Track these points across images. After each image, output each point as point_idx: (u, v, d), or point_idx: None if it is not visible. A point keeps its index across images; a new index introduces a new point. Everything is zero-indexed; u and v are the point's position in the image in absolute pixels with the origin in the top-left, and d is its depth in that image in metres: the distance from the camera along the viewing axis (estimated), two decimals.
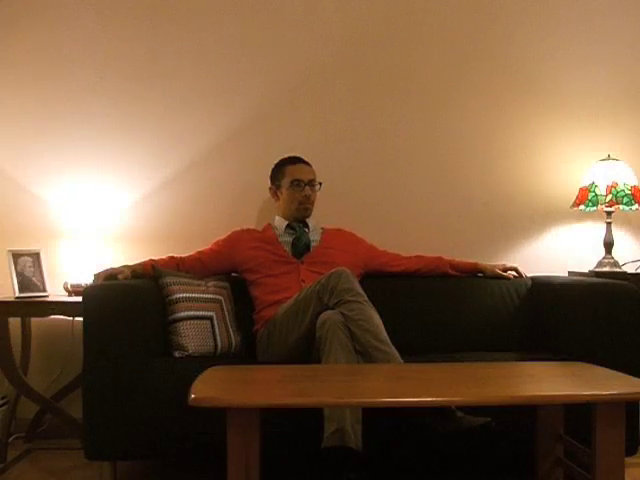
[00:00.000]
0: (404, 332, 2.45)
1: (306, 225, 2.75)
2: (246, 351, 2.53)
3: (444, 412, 1.99)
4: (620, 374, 1.81)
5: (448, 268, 2.76)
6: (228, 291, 2.61)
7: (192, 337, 2.36)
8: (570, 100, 3.03)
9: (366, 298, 2.18)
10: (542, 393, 1.73)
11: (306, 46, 3.01)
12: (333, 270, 2.21)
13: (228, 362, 2.09)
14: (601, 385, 1.73)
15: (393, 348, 2.10)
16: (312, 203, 2.74)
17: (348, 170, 3.01)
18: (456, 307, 2.68)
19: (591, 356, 2.11)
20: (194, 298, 2.44)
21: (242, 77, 3.00)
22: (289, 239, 2.69)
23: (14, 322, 2.75)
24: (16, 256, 2.71)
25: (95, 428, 2.16)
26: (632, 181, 2.80)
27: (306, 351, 2.23)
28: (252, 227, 2.84)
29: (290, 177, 2.70)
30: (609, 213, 2.83)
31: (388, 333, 2.13)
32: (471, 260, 2.81)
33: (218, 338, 2.44)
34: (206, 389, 1.64)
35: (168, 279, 2.44)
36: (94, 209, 2.91)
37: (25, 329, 2.85)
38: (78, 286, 2.71)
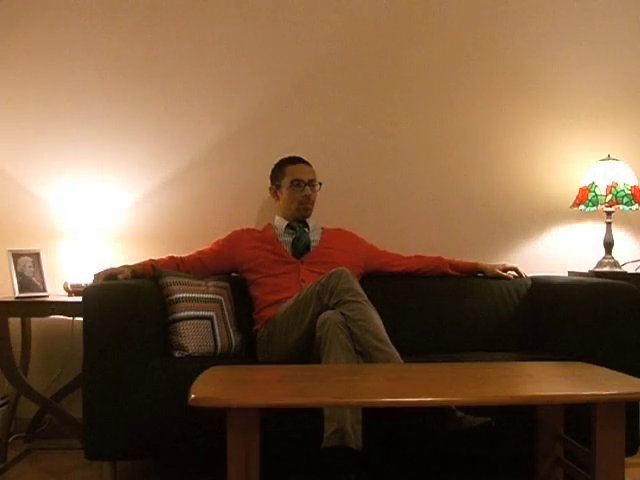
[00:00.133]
0: (404, 332, 2.44)
1: (306, 225, 2.75)
2: (246, 351, 2.53)
3: (444, 412, 1.99)
4: (620, 374, 1.81)
5: (448, 268, 2.76)
6: (228, 291, 2.61)
7: (192, 337, 2.36)
8: (570, 100, 3.03)
9: (366, 298, 2.18)
10: (542, 393, 1.73)
11: (306, 46, 3.01)
12: (333, 270, 2.21)
13: (228, 362, 2.10)
14: (601, 385, 1.73)
15: (393, 348, 2.10)
16: (312, 203, 2.74)
17: (348, 170, 3.01)
18: (456, 307, 2.68)
19: (591, 356, 2.11)
20: (194, 298, 2.44)
21: (242, 77, 3.00)
22: (289, 239, 2.69)
23: (14, 322, 2.75)
24: (16, 256, 2.71)
25: (95, 428, 2.16)
26: (632, 181, 2.80)
27: (306, 351, 2.23)
28: (252, 227, 2.84)
29: (290, 177, 2.70)
30: (609, 213, 2.83)
31: (388, 333, 2.13)
32: (471, 260, 2.81)
33: (218, 338, 2.44)
34: (206, 389, 1.64)
35: (168, 279, 2.44)
36: (94, 209, 2.91)
37: (25, 329, 2.85)
38: (78, 286, 2.71)
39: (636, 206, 2.76)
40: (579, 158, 3.00)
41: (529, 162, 3.04)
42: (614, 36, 3.03)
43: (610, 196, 2.76)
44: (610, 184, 2.77)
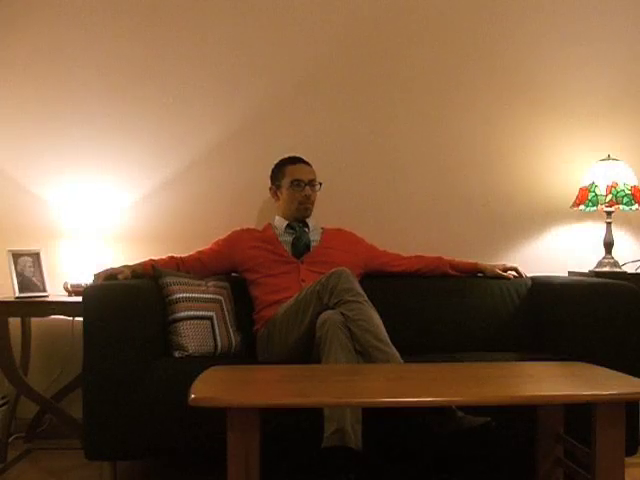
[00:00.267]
0: (404, 332, 2.45)
1: (306, 225, 2.75)
2: (246, 351, 2.53)
3: (444, 412, 1.99)
4: (620, 374, 1.81)
5: (448, 268, 2.76)
6: (228, 291, 2.61)
7: (192, 337, 2.36)
8: (570, 100, 3.03)
9: (366, 298, 2.18)
10: (542, 393, 1.73)
11: (306, 46, 3.01)
12: (333, 270, 2.21)
13: (228, 362, 2.09)
14: (601, 385, 1.73)
15: (393, 348, 2.10)
16: (312, 203, 2.74)
17: (348, 170, 3.01)
18: (456, 307, 2.68)
19: (591, 356, 2.11)
20: (194, 298, 2.44)
21: (242, 77, 3.00)
22: (289, 239, 2.69)
23: (14, 322, 2.75)
24: (16, 256, 2.71)
25: (95, 428, 2.16)
26: (632, 181, 2.80)
27: (306, 351, 2.22)
28: (252, 227, 2.84)
29: (290, 177, 2.70)
30: (609, 213, 2.83)
31: (388, 333, 2.13)
32: (471, 260, 2.81)
33: (218, 338, 2.44)
34: (206, 389, 1.64)
35: (168, 279, 2.44)
36: (94, 209, 2.91)
37: (25, 329, 2.85)
38: (78, 286, 2.71)
39: (636, 206, 2.76)
40: (579, 158, 3.00)
41: (529, 162, 3.04)
42: (614, 36, 3.03)
43: (610, 196, 2.76)
44: (610, 184, 2.77)
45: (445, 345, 2.58)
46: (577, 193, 2.88)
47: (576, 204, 2.86)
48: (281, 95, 3.01)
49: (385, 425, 2.09)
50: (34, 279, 2.74)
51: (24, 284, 2.70)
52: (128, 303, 2.22)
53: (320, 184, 2.76)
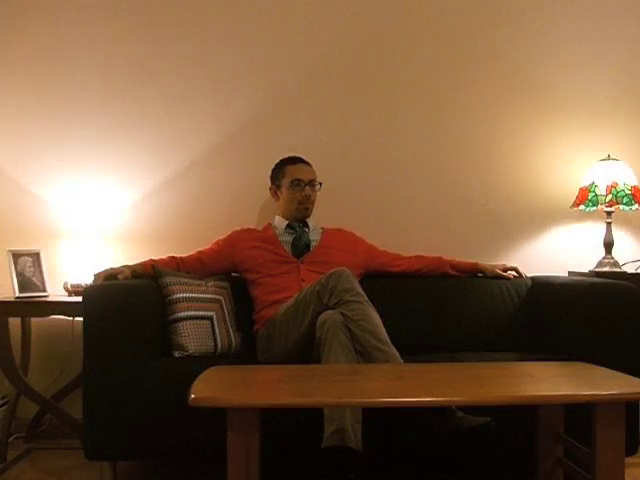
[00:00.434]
0: (404, 332, 2.45)
1: (306, 225, 2.75)
2: (246, 351, 2.53)
3: (444, 412, 1.99)
4: (620, 374, 1.81)
5: (448, 268, 2.76)
6: (228, 291, 2.61)
7: (192, 337, 2.36)
8: (570, 100, 3.03)
9: (366, 298, 2.18)
10: (542, 393, 1.73)
11: (306, 46, 3.01)
12: (333, 270, 2.21)
13: (228, 362, 2.09)
14: (601, 385, 1.73)
15: (393, 348, 2.09)
16: (312, 203, 2.74)
17: (348, 170, 3.01)
18: (456, 307, 2.68)
19: (591, 356, 2.11)
20: (194, 298, 2.44)
21: (242, 77, 3.00)
22: (289, 239, 2.69)
23: (14, 322, 2.74)
24: (16, 256, 2.71)
25: (95, 428, 2.16)
26: (632, 181, 2.80)
27: (306, 351, 2.22)
28: (252, 227, 2.84)
29: (290, 177, 2.70)
30: (609, 213, 2.83)
31: (388, 333, 2.13)
32: (471, 260, 2.81)
33: (218, 338, 2.44)
34: (206, 389, 1.64)
35: (168, 279, 2.44)
36: (94, 209, 2.91)
37: (25, 329, 2.85)
38: (78, 286, 2.71)
39: (636, 206, 2.76)
40: (579, 158, 3.00)
41: (529, 162, 3.04)
42: (614, 36, 3.03)
43: (610, 196, 2.76)
44: (610, 184, 2.77)
45: (445, 345, 2.58)
46: (577, 193, 2.88)
47: (576, 204, 2.86)
48: (281, 95, 3.01)
49: (385, 425, 2.09)
50: (34, 279, 2.74)
51: (24, 284, 2.70)
52: (128, 303, 2.22)
53: (320, 184, 2.76)
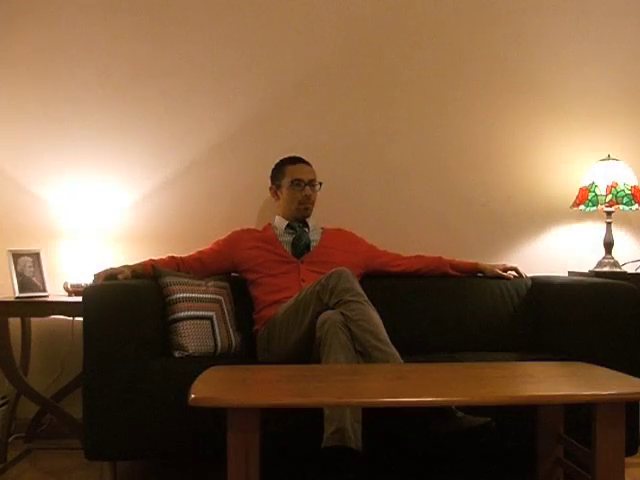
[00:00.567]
0: (404, 332, 2.45)
1: (306, 225, 2.75)
2: (246, 351, 2.53)
3: (444, 412, 1.99)
4: (620, 374, 1.81)
5: (448, 268, 2.76)
6: (228, 291, 2.61)
7: (192, 337, 2.36)
8: (570, 100, 3.03)
9: (366, 298, 2.18)
10: (542, 393, 1.73)
11: (306, 46, 3.01)
12: (333, 270, 2.21)
13: (228, 362, 2.09)
14: (601, 385, 1.73)
15: (393, 348, 2.09)
16: (312, 203, 2.74)
17: (348, 170, 3.01)
18: (456, 307, 2.68)
19: (591, 356, 2.11)
20: (194, 298, 2.44)
21: (242, 77, 3.00)
22: (289, 239, 2.69)
23: (14, 322, 2.75)
24: (16, 256, 2.71)
25: (95, 428, 2.16)
26: (632, 181, 2.80)
27: (306, 351, 2.22)
28: (252, 227, 2.84)
29: (290, 177, 2.70)
30: (609, 213, 2.83)
31: (388, 333, 2.13)
32: (471, 260, 2.81)
33: (218, 338, 2.44)
34: (206, 389, 1.64)
35: (168, 279, 2.44)
36: (94, 209, 2.91)
37: (25, 329, 2.85)
38: (78, 286, 2.71)
39: (636, 206, 2.76)
40: (579, 158, 3.00)
41: (529, 162, 3.04)
42: (614, 36, 3.03)
43: (610, 196, 2.76)
44: (610, 184, 2.77)
45: (445, 345, 2.58)
46: (577, 193, 2.88)
47: (576, 204, 2.86)
48: (281, 95, 3.01)
49: (385, 425, 2.09)
50: (34, 279, 2.74)
51: (24, 284, 2.70)
52: (128, 303, 2.22)
53: (320, 184, 2.76)
